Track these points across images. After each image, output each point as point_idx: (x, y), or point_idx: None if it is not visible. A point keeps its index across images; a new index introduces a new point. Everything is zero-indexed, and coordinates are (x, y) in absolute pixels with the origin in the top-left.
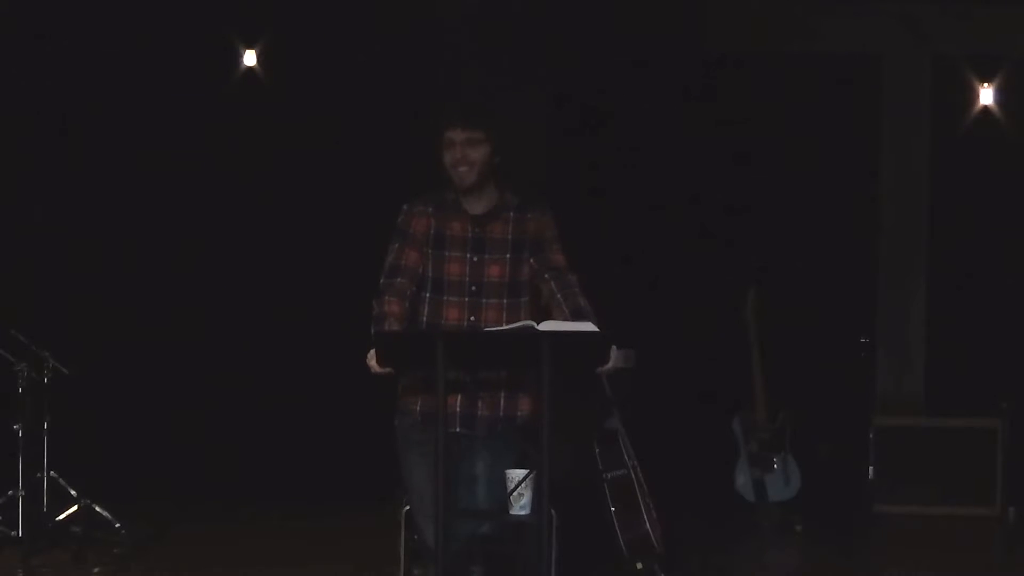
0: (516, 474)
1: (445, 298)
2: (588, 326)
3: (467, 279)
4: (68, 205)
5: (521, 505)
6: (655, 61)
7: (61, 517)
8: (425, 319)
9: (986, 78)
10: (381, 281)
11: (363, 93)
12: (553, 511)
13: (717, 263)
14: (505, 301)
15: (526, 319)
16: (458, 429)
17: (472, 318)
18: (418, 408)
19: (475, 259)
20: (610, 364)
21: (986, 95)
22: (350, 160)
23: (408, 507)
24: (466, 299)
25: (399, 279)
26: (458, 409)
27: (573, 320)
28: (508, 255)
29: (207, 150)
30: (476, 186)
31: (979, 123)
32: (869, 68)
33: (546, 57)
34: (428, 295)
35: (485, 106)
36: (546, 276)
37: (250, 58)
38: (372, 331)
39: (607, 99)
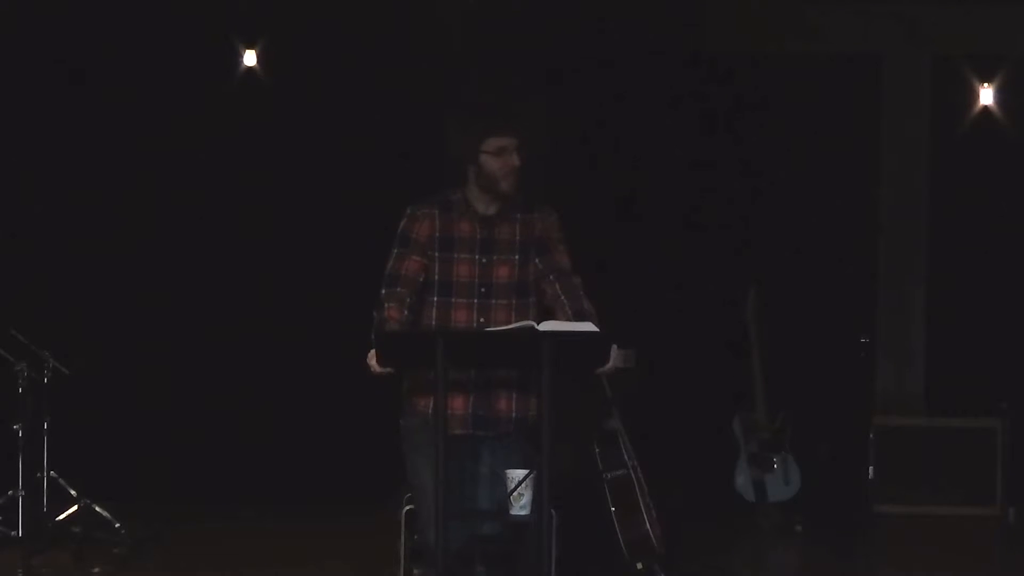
0: (516, 474)
1: (453, 300)
2: (588, 326)
3: (476, 281)
4: (68, 205)
5: (521, 505)
6: (654, 61)
7: (61, 517)
8: (433, 323)
9: (986, 78)
10: (382, 291)
11: (363, 93)
12: (553, 511)
13: (717, 263)
14: (514, 302)
15: (534, 320)
16: (470, 431)
17: (482, 320)
18: (429, 410)
19: (484, 260)
20: (610, 364)
21: (986, 95)
22: (350, 160)
23: (410, 507)
24: (475, 301)
25: (399, 288)
26: (469, 410)
27: (576, 321)
28: (517, 256)
29: (207, 150)
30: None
31: (979, 123)
32: (869, 68)
33: (545, 58)
34: (435, 299)
35: (516, 109)
36: (551, 277)
37: (250, 58)
38: (372, 334)
39: (606, 99)
